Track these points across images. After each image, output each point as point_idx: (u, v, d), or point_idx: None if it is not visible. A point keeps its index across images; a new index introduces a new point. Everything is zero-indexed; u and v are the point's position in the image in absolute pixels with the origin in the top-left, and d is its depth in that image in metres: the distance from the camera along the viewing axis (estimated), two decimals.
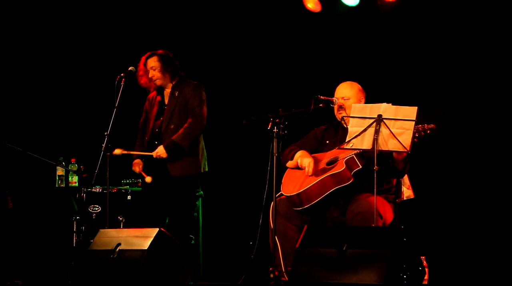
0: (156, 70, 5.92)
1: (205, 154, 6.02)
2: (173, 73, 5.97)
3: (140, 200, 6.26)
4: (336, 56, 7.01)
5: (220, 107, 7.23)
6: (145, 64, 5.94)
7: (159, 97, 6.01)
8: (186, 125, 5.83)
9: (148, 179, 5.75)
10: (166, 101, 5.98)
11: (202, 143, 6.00)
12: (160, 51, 5.95)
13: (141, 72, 5.95)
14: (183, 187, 5.85)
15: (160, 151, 5.78)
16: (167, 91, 6.00)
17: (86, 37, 7.36)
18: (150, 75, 5.93)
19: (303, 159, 5.28)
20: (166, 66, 5.93)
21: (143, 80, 5.96)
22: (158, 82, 5.95)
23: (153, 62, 5.92)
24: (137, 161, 5.95)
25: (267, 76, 7.29)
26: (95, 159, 5.59)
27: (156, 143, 5.89)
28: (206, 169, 6.01)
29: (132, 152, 5.88)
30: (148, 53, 5.96)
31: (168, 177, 5.83)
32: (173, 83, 5.98)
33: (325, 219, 5.24)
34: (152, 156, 5.80)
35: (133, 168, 5.96)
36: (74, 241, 6.27)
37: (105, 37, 7.38)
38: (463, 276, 6.36)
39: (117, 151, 5.72)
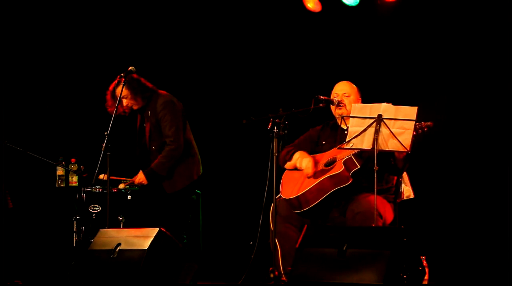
0: (128, 98, 5.86)
1: (198, 157, 6.05)
2: (143, 93, 5.89)
3: (142, 199, 6.29)
4: (336, 56, 7.01)
5: (220, 107, 7.24)
6: (113, 95, 5.85)
7: (139, 115, 6.05)
8: (163, 153, 5.85)
9: (121, 186, 5.91)
10: (145, 120, 6.01)
11: (193, 149, 6.02)
12: (122, 76, 5.78)
13: (110, 102, 5.86)
14: (180, 199, 5.94)
15: (141, 178, 5.87)
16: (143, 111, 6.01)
17: (86, 37, 7.36)
18: (124, 105, 5.87)
19: (302, 159, 5.27)
20: (135, 91, 5.85)
21: (118, 112, 5.81)
22: (135, 108, 5.94)
23: (121, 92, 5.78)
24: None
25: (267, 76, 7.29)
26: (95, 159, 5.58)
27: (145, 161, 5.99)
28: (201, 172, 6.06)
29: (115, 177, 5.88)
30: (113, 84, 5.87)
31: (163, 194, 5.94)
32: (145, 102, 5.94)
33: (325, 218, 5.24)
34: (133, 182, 5.90)
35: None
36: (74, 241, 6.26)
37: (105, 37, 7.38)
38: (463, 276, 6.36)
39: (101, 176, 5.75)
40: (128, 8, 7.35)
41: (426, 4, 6.65)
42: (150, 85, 5.95)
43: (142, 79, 5.93)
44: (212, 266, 6.57)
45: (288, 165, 5.39)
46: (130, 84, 5.83)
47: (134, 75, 5.88)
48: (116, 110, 5.68)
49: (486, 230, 6.41)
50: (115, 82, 5.89)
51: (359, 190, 5.15)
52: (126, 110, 5.94)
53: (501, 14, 6.40)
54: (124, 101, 5.87)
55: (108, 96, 5.89)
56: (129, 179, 5.96)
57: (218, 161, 7.25)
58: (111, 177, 5.73)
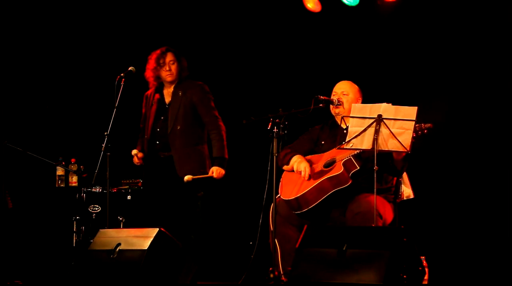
0: (175, 65, 5.90)
1: (208, 156, 6.03)
2: (183, 72, 5.96)
3: (141, 198, 6.27)
4: (336, 56, 7.01)
5: (220, 107, 7.22)
6: (159, 58, 5.89)
7: (157, 96, 5.98)
8: (216, 137, 5.86)
9: (188, 177, 5.77)
10: (167, 100, 5.96)
11: (205, 148, 6.01)
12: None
13: (152, 65, 5.89)
14: (188, 187, 5.85)
15: (219, 170, 5.81)
16: (168, 90, 5.97)
17: (86, 37, 7.36)
18: (167, 69, 5.88)
19: (299, 164, 5.27)
20: (182, 63, 5.95)
21: (150, 73, 5.91)
22: (170, 78, 5.91)
23: (171, 56, 5.89)
24: (135, 151, 5.96)
25: (267, 76, 7.29)
26: (95, 159, 5.58)
27: (158, 142, 5.89)
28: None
29: (197, 176, 5.79)
30: (165, 48, 5.93)
31: (173, 179, 5.83)
32: (178, 79, 5.97)
33: (325, 219, 5.24)
34: (210, 177, 5.82)
35: (134, 160, 5.97)
36: (74, 241, 6.27)
37: (105, 37, 7.38)
38: (463, 276, 6.36)
39: (187, 177, 5.71)
40: (128, 8, 7.35)
41: (426, 4, 6.65)
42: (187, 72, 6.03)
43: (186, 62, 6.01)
44: (212, 266, 6.57)
45: (285, 168, 5.40)
46: (179, 56, 5.92)
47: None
48: (153, 79, 5.88)
49: (486, 230, 6.41)
50: (165, 48, 5.92)
51: (358, 190, 5.15)
52: (154, 77, 5.92)
53: (501, 14, 6.40)
54: (167, 66, 5.85)
55: (152, 59, 5.89)
56: (207, 176, 5.84)
57: None
58: (194, 176, 5.70)
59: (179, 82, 5.96)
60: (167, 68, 5.89)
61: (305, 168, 5.21)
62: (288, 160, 5.36)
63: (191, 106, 5.90)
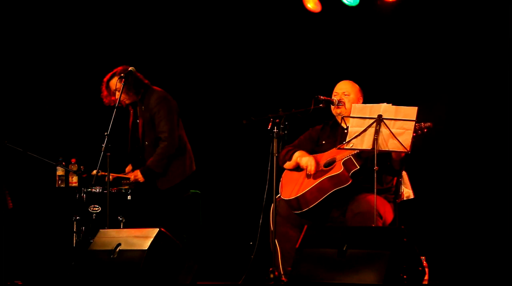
0: (122, 90, 5.79)
1: (191, 154, 6.04)
2: (137, 88, 5.89)
3: (142, 199, 6.30)
4: (336, 56, 7.01)
5: (220, 107, 7.24)
6: (107, 87, 5.87)
7: (132, 110, 6.04)
8: (158, 151, 5.86)
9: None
10: (138, 114, 5.99)
11: (186, 146, 6.02)
12: (120, 69, 5.85)
13: (105, 93, 5.88)
14: (173, 194, 5.95)
15: (137, 176, 5.89)
16: (138, 105, 6.00)
17: (86, 37, 7.36)
18: (116, 97, 5.81)
19: (302, 158, 5.27)
20: (128, 85, 5.82)
21: (107, 101, 5.88)
22: (127, 101, 5.92)
23: (114, 85, 5.83)
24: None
25: (267, 76, 7.29)
26: (95, 159, 5.58)
27: (140, 157, 5.99)
28: (194, 168, 6.07)
29: (111, 174, 5.83)
30: (108, 76, 5.88)
31: (157, 190, 5.93)
32: (139, 97, 5.94)
33: (325, 219, 5.24)
34: (129, 178, 5.91)
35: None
36: (74, 241, 6.26)
37: (105, 37, 7.38)
38: (463, 276, 6.36)
39: (94, 172, 5.74)
40: (128, 8, 7.35)
41: (426, 4, 6.65)
42: (145, 80, 5.94)
43: (138, 74, 5.90)
44: (212, 266, 6.56)
45: (287, 165, 5.39)
46: (125, 78, 5.78)
47: (129, 67, 5.87)
48: (112, 103, 5.75)
49: (486, 229, 6.41)
50: (110, 74, 5.89)
51: (358, 190, 5.15)
52: (122, 103, 5.90)
53: (501, 14, 6.40)
54: (117, 94, 5.82)
55: (103, 87, 5.90)
56: (125, 176, 5.98)
57: (218, 161, 7.25)
58: (103, 172, 5.70)
59: (143, 95, 5.92)
60: (116, 97, 5.82)
61: (309, 161, 5.20)
62: (290, 156, 5.36)
63: (152, 120, 5.91)
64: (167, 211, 5.97)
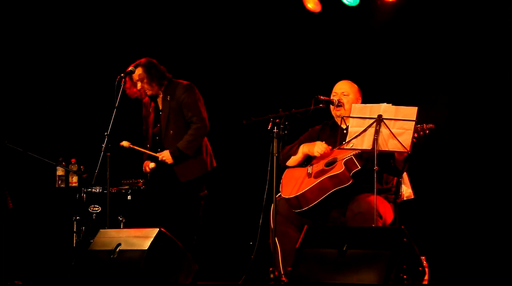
0: (144, 82, 5.86)
1: (210, 150, 6.04)
2: (160, 80, 5.92)
3: (143, 199, 6.28)
4: (336, 56, 7.01)
5: (220, 107, 7.23)
6: (130, 77, 5.88)
7: (153, 104, 6.02)
8: (190, 132, 5.86)
9: (152, 165, 5.85)
10: (161, 107, 5.98)
11: (205, 140, 6.01)
12: (143, 61, 5.88)
13: (128, 84, 5.86)
14: (191, 189, 5.90)
15: (166, 156, 5.84)
16: (160, 97, 5.99)
17: (86, 38, 7.36)
18: (138, 87, 5.87)
19: (310, 146, 5.27)
20: (152, 76, 5.87)
21: (132, 92, 5.90)
22: (148, 93, 5.93)
23: (137, 76, 5.85)
24: (148, 162, 5.98)
25: (267, 76, 7.29)
26: (95, 159, 5.59)
27: (159, 149, 5.93)
28: (215, 165, 6.09)
29: (138, 148, 5.89)
30: (132, 65, 5.89)
31: (176, 181, 5.88)
32: (162, 89, 5.95)
33: (325, 219, 5.24)
34: (157, 157, 5.84)
35: (144, 168, 5.99)
36: (74, 241, 6.27)
37: (105, 37, 7.38)
38: (463, 276, 6.36)
39: (125, 143, 5.76)
40: (128, 7, 7.35)
41: (426, 4, 6.65)
42: (168, 74, 5.97)
43: (162, 67, 5.94)
44: (212, 266, 6.57)
45: (293, 160, 5.38)
46: (148, 69, 5.86)
47: (154, 61, 5.91)
48: (133, 95, 5.83)
49: (486, 229, 6.41)
50: (134, 64, 5.89)
51: (359, 190, 5.15)
52: (138, 93, 5.92)
53: (501, 14, 6.40)
54: (139, 85, 5.87)
55: (128, 78, 5.87)
56: (153, 154, 5.90)
57: (218, 161, 7.24)
58: (132, 146, 5.76)
59: (166, 86, 5.95)
60: (139, 87, 5.87)
61: (318, 144, 5.20)
62: (295, 150, 5.37)
63: (180, 109, 5.91)
64: (181, 205, 5.92)
